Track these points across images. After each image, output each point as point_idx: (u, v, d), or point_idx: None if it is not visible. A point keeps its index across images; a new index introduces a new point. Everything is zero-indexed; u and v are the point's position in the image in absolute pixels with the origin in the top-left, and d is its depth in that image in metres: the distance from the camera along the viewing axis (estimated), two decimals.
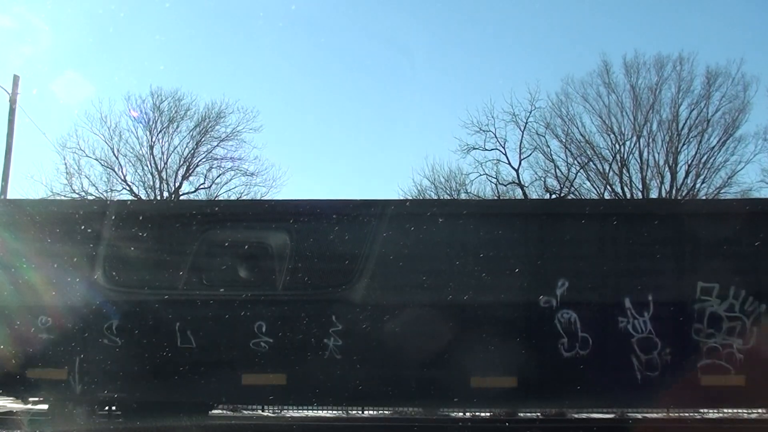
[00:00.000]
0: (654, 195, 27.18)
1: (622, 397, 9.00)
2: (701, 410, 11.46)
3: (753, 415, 11.53)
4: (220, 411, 12.24)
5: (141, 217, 9.35)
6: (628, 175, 28.13)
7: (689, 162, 27.59)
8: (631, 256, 8.96)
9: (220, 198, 27.58)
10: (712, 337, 8.70)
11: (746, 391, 8.65)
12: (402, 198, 25.32)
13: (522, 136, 28.74)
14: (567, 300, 8.82)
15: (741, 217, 9.12)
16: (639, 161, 28.02)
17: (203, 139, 28.85)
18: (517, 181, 28.70)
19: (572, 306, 8.80)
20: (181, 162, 28.70)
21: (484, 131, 28.57)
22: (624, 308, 8.79)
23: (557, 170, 28.89)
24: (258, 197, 27.49)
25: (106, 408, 9.79)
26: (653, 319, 8.74)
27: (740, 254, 8.90)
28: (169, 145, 28.63)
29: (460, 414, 11.99)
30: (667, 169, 27.86)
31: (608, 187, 28.10)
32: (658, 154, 27.96)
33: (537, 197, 27.94)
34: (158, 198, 27.17)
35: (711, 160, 27.44)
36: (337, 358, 8.88)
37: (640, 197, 26.79)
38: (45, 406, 9.95)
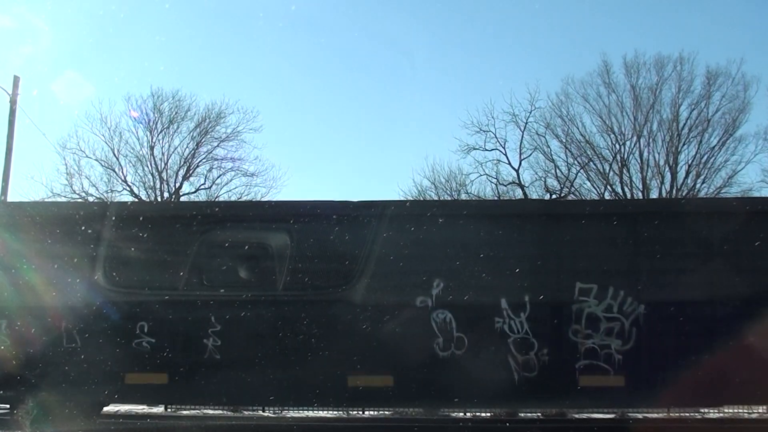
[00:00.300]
0: (654, 195, 27.24)
1: (498, 397, 9.02)
2: (701, 410, 11.45)
3: (753, 415, 11.54)
4: (221, 411, 12.27)
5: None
6: (628, 175, 28.21)
7: (689, 162, 27.66)
8: (508, 257, 8.97)
9: (221, 198, 27.68)
10: (590, 337, 8.72)
11: (626, 392, 8.69)
12: (403, 198, 25.40)
13: (522, 137, 28.85)
14: (442, 300, 8.87)
15: (620, 218, 9.16)
16: (639, 161, 28.10)
17: (203, 140, 28.95)
18: (517, 182, 28.78)
19: (448, 306, 8.85)
20: (182, 162, 28.79)
21: (484, 131, 28.67)
22: (500, 309, 8.80)
23: (557, 170, 28.99)
24: (258, 198, 27.63)
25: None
26: (530, 319, 8.76)
27: (619, 255, 8.92)
28: (169, 145, 28.71)
29: (461, 414, 12.01)
30: (667, 169, 27.90)
31: (608, 187, 28.15)
32: (659, 154, 28.04)
33: (537, 197, 28.02)
34: (158, 199, 27.23)
35: (711, 160, 27.51)
36: (216, 358, 8.97)
37: (640, 197, 26.83)
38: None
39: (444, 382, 8.74)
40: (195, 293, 9.13)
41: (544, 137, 28.87)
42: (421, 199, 27.29)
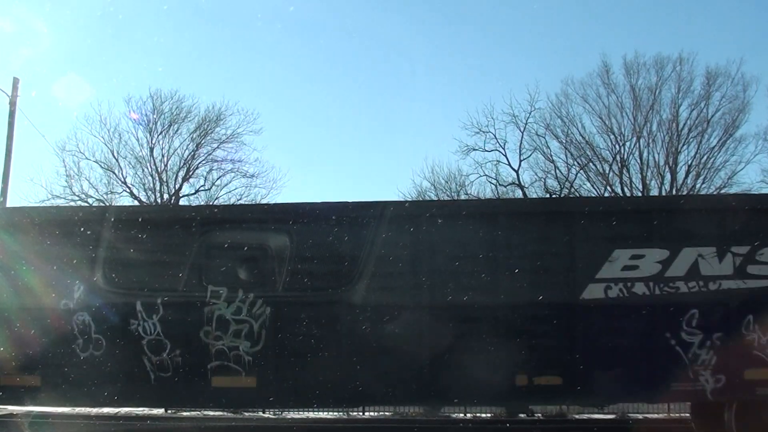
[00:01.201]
0: (655, 195, 27.21)
1: (134, 396, 9.15)
2: None
3: None
4: (222, 413, 12.27)
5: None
6: (628, 175, 28.23)
7: (689, 162, 27.69)
8: (145, 261, 9.09)
9: (221, 200, 27.71)
10: (220, 339, 8.88)
11: (257, 393, 8.88)
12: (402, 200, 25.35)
13: (522, 137, 28.85)
14: (82, 303, 9.04)
15: (250, 223, 9.27)
16: (639, 162, 28.12)
17: (203, 141, 28.93)
18: (517, 182, 28.78)
19: (87, 309, 9.02)
20: (182, 164, 28.76)
21: (483, 132, 28.68)
22: (136, 311, 8.95)
23: (557, 171, 29.01)
24: (258, 199, 27.63)
25: None
26: (162, 321, 8.92)
27: (252, 258, 9.03)
28: (169, 147, 28.68)
29: (461, 415, 12.03)
30: (667, 169, 27.91)
31: (608, 187, 28.15)
32: (658, 154, 28.07)
33: (537, 197, 27.97)
34: (158, 200, 27.24)
35: (711, 161, 27.54)
36: None
37: (637, 196, 26.81)
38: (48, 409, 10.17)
39: (86, 382, 8.93)
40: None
41: (544, 138, 28.94)
42: (420, 200, 27.24)
